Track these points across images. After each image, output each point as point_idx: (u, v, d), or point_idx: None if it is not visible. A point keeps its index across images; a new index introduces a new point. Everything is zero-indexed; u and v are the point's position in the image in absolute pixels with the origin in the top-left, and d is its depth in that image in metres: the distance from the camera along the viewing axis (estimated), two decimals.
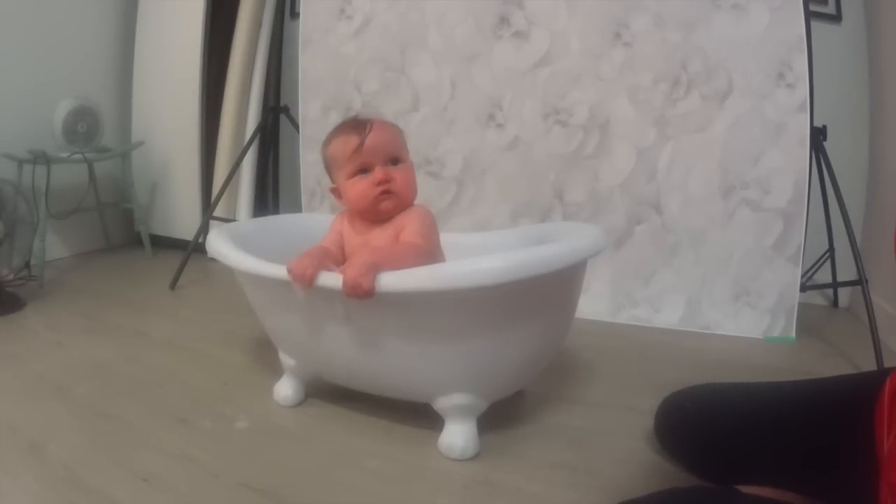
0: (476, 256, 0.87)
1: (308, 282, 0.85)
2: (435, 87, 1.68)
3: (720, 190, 1.45)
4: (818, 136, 1.40)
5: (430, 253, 0.92)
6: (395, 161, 0.97)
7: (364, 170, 0.97)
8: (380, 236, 0.98)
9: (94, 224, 2.22)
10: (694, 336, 1.45)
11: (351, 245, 1.02)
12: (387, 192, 0.96)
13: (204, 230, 1.82)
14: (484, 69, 1.62)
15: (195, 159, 2.17)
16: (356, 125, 0.98)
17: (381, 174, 0.95)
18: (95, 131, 2.00)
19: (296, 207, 2.06)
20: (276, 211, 2.27)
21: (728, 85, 1.42)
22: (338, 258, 1.02)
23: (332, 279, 0.84)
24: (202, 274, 1.91)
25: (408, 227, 0.96)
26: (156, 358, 1.28)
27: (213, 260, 1.07)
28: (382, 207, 0.97)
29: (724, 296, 1.47)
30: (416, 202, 1.02)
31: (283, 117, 2.04)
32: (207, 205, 2.12)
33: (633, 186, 1.52)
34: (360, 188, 0.96)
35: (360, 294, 0.80)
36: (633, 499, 0.65)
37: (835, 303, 1.71)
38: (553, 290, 0.91)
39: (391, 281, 0.81)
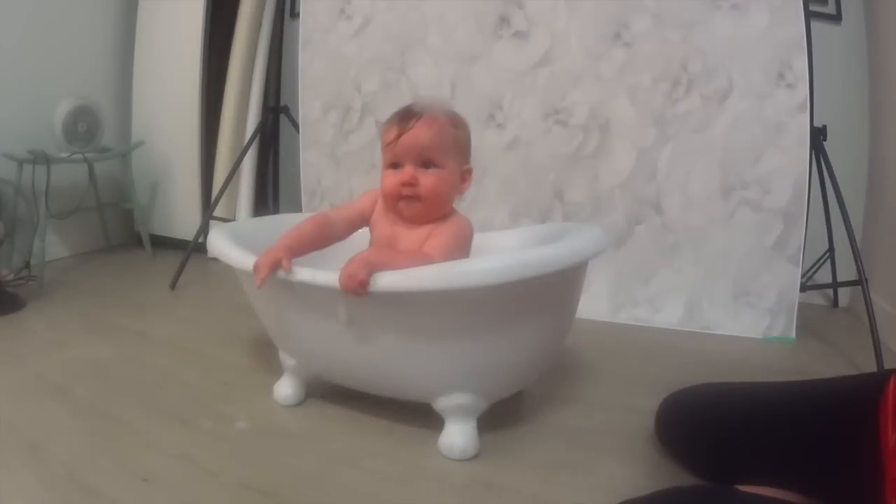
0: (476, 257, 0.87)
1: (264, 277, 0.86)
2: (435, 87, 1.68)
3: (720, 190, 1.45)
4: (818, 136, 1.40)
5: None
6: (427, 164, 0.92)
7: (396, 164, 0.94)
8: (408, 237, 0.95)
9: (94, 224, 2.22)
10: (694, 336, 1.45)
11: (378, 234, 1.00)
12: (410, 196, 0.92)
13: (204, 230, 1.82)
14: (484, 69, 1.62)
15: (195, 159, 2.17)
16: (405, 116, 0.94)
17: (406, 175, 0.92)
18: (95, 131, 2.00)
19: (296, 207, 2.06)
20: (276, 211, 2.27)
21: (728, 85, 1.42)
22: (333, 232, 1.00)
23: (330, 279, 0.84)
24: (202, 274, 1.91)
25: (436, 237, 0.92)
26: (156, 358, 1.28)
27: (213, 260, 1.07)
28: (403, 211, 0.95)
29: (724, 296, 1.47)
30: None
31: (283, 117, 2.04)
32: (207, 205, 2.12)
33: (633, 186, 1.52)
34: (388, 181, 0.94)
35: (354, 288, 0.80)
36: (634, 498, 0.65)
37: (835, 303, 1.71)
38: (553, 290, 0.91)
39: (392, 281, 0.81)
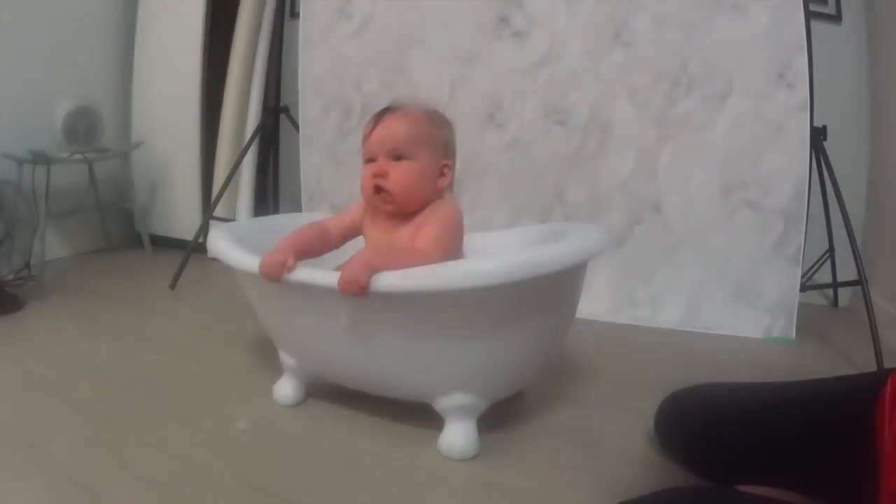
0: (476, 257, 0.87)
1: (277, 278, 0.88)
2: (435, 87, 1.68)
3: (720, 190, 1.45)
4: (818, 136, 1.40)
5: (439, 262, 0.86)
6: (397, 156, 0.94)
7: (371, 159, 0.96)
8: (399, 235, 0.96)
9: (94, 224, 2.22)
10: (694, 336, 1.45)
11: (372, 241, 1.01)
12: (380, 189, 0.94)
13: (204, 230, 1.82)
14: (484, 69, 1.62)
15: (195, 159, 2.17)
16: (381, 113, 0.97)
17: (376, 167, 0.94)
18: (95, 131, 2.00)
19: (296, 207, 2.06)
20: (276, 211, 2.27)
21: (728, 85, 1.42)
22: (330, 240, 1.02)
23: (331, 279, 0.84)
24: (202, 274, 1.91)
25: (426, 229, 0.92)
26: (156, 358, 1.28)
27: (213, 260, 1.07)
28: (379, 206, 0.97)
29: (724, 296, 1.47)
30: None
31: (283, 117, 2.04)
32: (207, 205, 2.12)
33: (633, 186, 1.52)
34: (364, 176, 0.96)
35: (355, 290, 0.80)
36: (633, 499, 0.65)
37: (835, 303, 1.71)
38: (554, 290, 0.91)
39: (392, 281, 0.81)
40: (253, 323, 1.16)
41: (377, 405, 1.01)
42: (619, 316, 1.55)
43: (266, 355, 1.21)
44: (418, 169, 0.94)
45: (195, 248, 1.81)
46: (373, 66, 1.76)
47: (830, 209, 1.56)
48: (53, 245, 2.08)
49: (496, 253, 1.01)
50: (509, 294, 0.83)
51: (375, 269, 0.81)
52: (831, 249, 1.60)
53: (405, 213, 0.96)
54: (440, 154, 0.96)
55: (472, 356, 0.87)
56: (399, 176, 0.93)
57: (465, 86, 1.65)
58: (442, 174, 0.97)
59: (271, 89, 2.19)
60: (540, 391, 1.09)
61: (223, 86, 2.10)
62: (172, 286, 1.78)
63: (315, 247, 1.00)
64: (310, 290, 0.88)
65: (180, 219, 2.25)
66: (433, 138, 0.95)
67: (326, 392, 1.06)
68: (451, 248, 0.93)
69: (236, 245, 1.01)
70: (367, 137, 0.96)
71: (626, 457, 0.90)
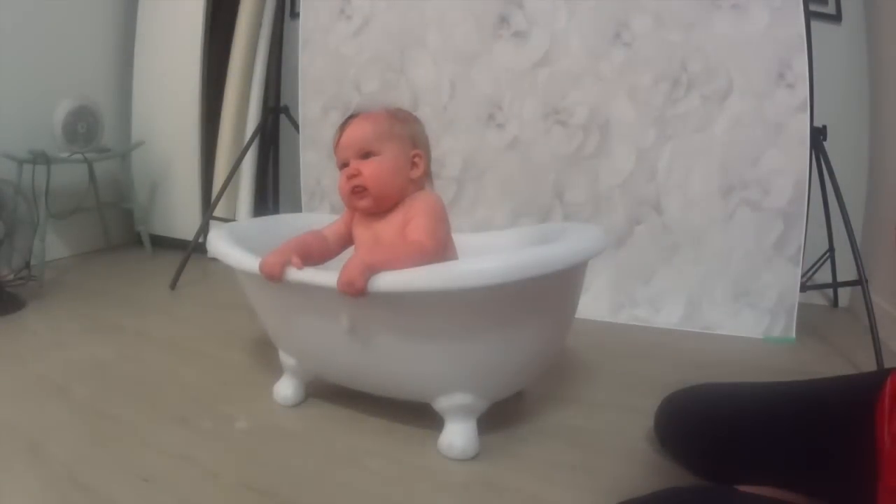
0: (476, 257, 0.87)
1: (277, 278, 0.89)
2: (435, 87, 1.68)
3: (720, 190, 1.45)
4: (818, 136, 1.40)
5: (435, 252, 0.89)
6: (366, 155, 0.96)
7: (344, 164, 0.99)
8: (386, 228, 0.97)
9: (94, 224, 2.22)
10: (694, 336, 1.45)
11: (360, 239, 1.03)
12: (358, 188, 0.96)
13: (204, 230, 1.82)
14: (484, 69, 1.62)
15: (195, 159, 2.17)
16: (345, 121, 1.00)
17: (350, 169, 0.97)
18: (95, 131, 2.00)
19: (296, 207, 2.06)
20: (276, 211, 2.27)
21: (728, 85, 1.42)
22: (329, 249, 1.04)
23: (331, 280, 0.84)
24: (202, 274, 1.91)
25: (415, 220, 0.93)
26: (156, 358, 1.28)
27: (213, 260, 1.07)
28: (358, 206, 0.99)
29: (724, 296, 1.47)
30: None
31: (283, 117, 2.04)
32: (207, 205, 2.12)
33: (633, 186, 1.52)
34: (340, 181, 0.99)
35: (353, 292, 0.80)
36: (633, 499, 0.65)
37: (835, 303, 1.71)
38: (553, 290, 0.91)
39: (391, 281, 0.81)
40: (253, 323, 1.16)
41: (377, 405, 1.01)
42: (619, 316, 1.55)
43: (266, 355, 1.21)
44: (388, 161, 0.96)
45: (195, 248, 1.81)
46: (373, 66, 1.76)
47: (830, 209, 1.56)
48: (53, 245, 2.08)
49: (495, 253, 1.01)
50: (509, 294, 0.83)
51: (374, 269, 0.81)
52: (831, 249, 1.60)
53: (384, 208, 0.98)
54: (408, 145, 0.98)
55: (472, 356, 0.87)
56: (371, 170, 0.95)
57: (465, 86, 1.65)
58: (414, 164, 0.98)
59: (271, 89, 2.19)
60: (540, 391, 1.09)
61: (223, 86, 2.10)
62: (172, 286, 1.78)
63: (315, 252, 1.01)
64: (309, 291, 0.88)
65: (180, 219, 2.25)
66: (398, 132, 0.98)
67: (326, 392, 1.07)
68: (442, 235, 0.95)
69: (236, 245, 1.01)
70: (336, 146, 0.99)
71: (626, 457, 0.90)
